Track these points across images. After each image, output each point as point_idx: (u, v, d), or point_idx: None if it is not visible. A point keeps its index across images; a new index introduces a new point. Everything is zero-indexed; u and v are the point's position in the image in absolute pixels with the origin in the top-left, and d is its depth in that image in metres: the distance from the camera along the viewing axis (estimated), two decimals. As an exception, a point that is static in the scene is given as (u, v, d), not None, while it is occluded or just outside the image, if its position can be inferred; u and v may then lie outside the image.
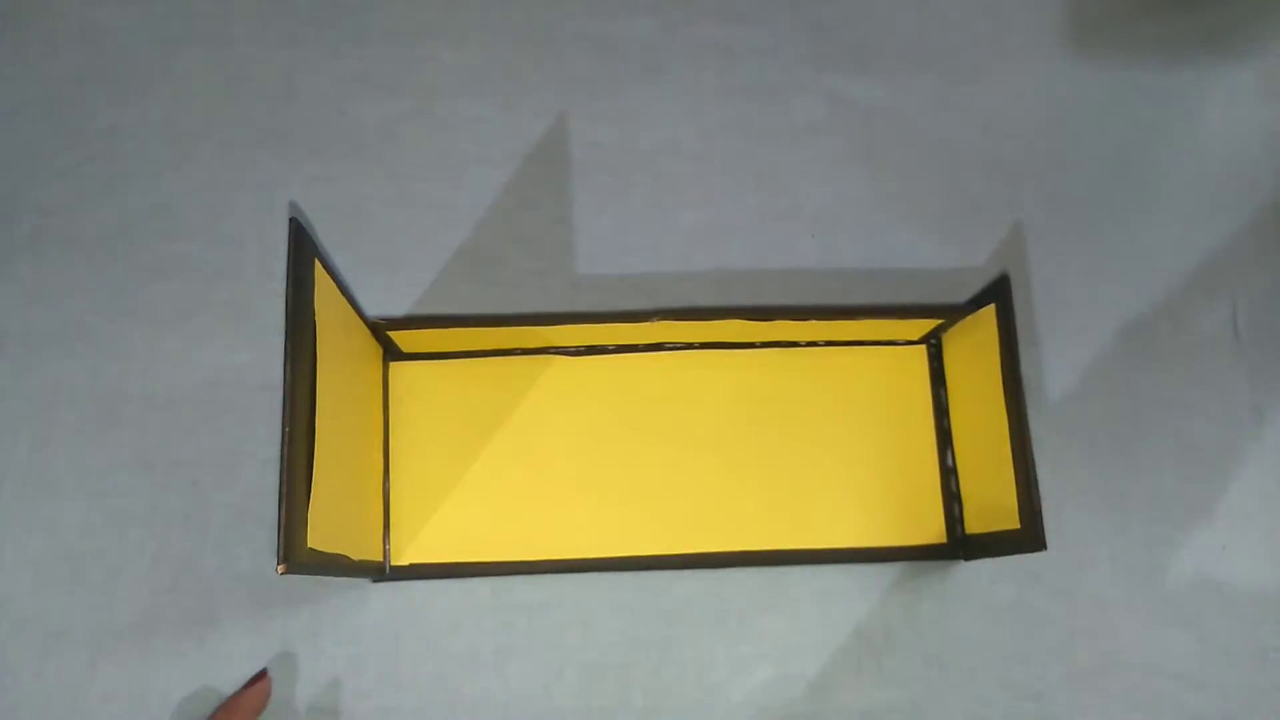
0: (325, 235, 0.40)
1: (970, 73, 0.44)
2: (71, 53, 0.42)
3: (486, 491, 0.38)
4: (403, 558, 0.37)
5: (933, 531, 0.39)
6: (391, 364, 0.39)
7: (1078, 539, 0.39)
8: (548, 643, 0.37)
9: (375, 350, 0.38)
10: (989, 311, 0.36)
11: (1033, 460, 0.33)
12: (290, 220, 0.29)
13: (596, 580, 0.37)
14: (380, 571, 0.37)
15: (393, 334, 0.37)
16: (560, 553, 0.37)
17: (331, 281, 0.32)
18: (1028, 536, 0.33)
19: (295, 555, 0.27)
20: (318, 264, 0.31)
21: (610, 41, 0.43)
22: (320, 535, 0.29)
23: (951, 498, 0.39)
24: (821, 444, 0.39)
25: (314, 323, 0.30)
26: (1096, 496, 0.39)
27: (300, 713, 0.36)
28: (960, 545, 0.38)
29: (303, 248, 0.29)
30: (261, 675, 0.35)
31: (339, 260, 0.40)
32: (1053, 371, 0.40)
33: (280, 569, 0.26)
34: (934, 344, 0.40)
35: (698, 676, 0.37)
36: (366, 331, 0.37)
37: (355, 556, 0.33)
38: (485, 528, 0.37)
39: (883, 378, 0.40)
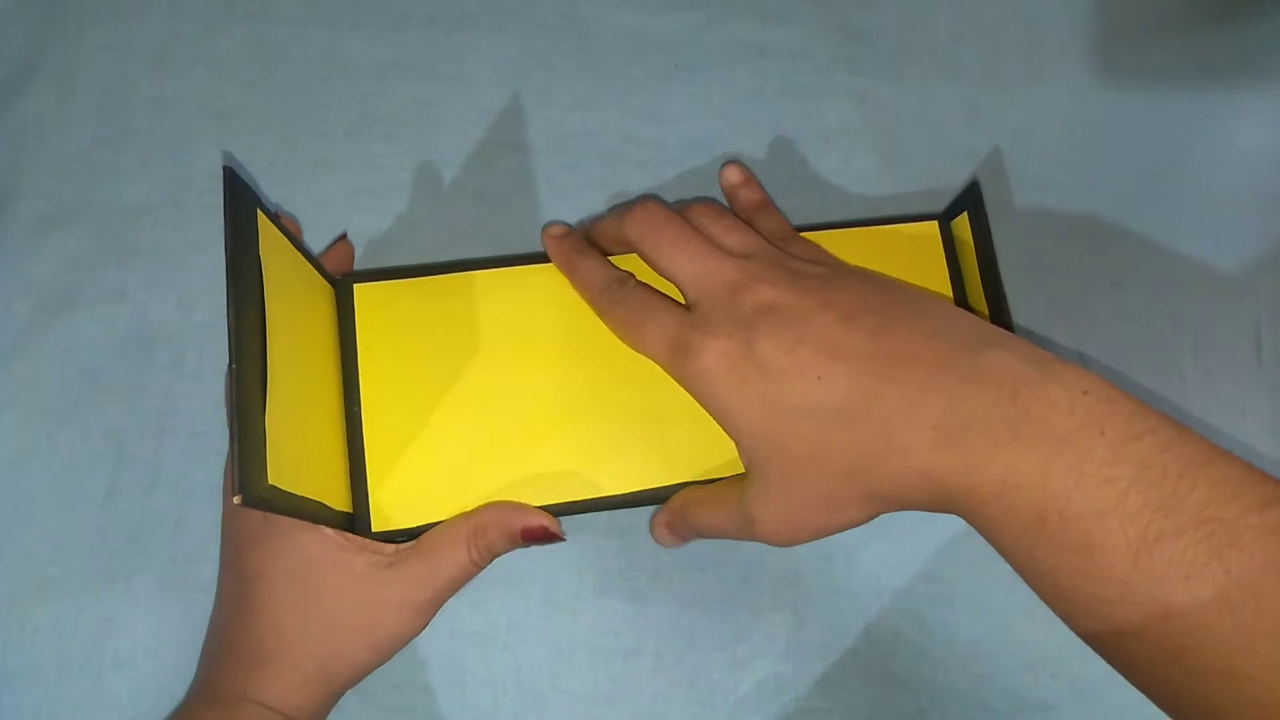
0: (357, 213, 0.41)
1: (1002, 84, 0.44)
2: (114, 26, 0.43)
3: (470, 439, 0.35)
4: (389, 522, 0.34)
5: None
6: (359, 328, 0.36)
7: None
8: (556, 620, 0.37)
9: (330, 311, 0.36)
10: (962, 221, 0.37)
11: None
12: (225, 169, 0.29)
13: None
14: (352, 527, 0.34)
15: (358, 287, 0.36)
16: (559, 496, 0.34)
17: (278, 231, 0.31)
18: None
19: (254, 488, 0.25)
20: (261, 214, 0.30)
21: (645, 37, 0.44)
22: (284, 476, 0.28)
23: None
24: None
25: (260, 268, 0.29)
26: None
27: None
28: None
29: (239, 196, 0.29)
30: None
31: (364, 237, 0.41)
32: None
33: (236, 499, 0.25)
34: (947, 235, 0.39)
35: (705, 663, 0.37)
36: (324, 289, 0.35)
37: (332, 504, 0.31)
38: (473, 477, 0.34)
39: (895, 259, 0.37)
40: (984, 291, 0.36)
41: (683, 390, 0.34)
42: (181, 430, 0.38)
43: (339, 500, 0.33)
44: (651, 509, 0.38)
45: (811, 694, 0.37)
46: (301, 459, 0.30)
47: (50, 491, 0.38)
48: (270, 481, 0.27)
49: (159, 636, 0.36)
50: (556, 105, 0.43)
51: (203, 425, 0.38)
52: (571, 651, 0.37)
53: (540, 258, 0.37)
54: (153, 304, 0.40)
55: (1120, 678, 0.37)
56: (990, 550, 0.38)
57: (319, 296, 0.35)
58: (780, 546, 0.32)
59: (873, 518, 0.31)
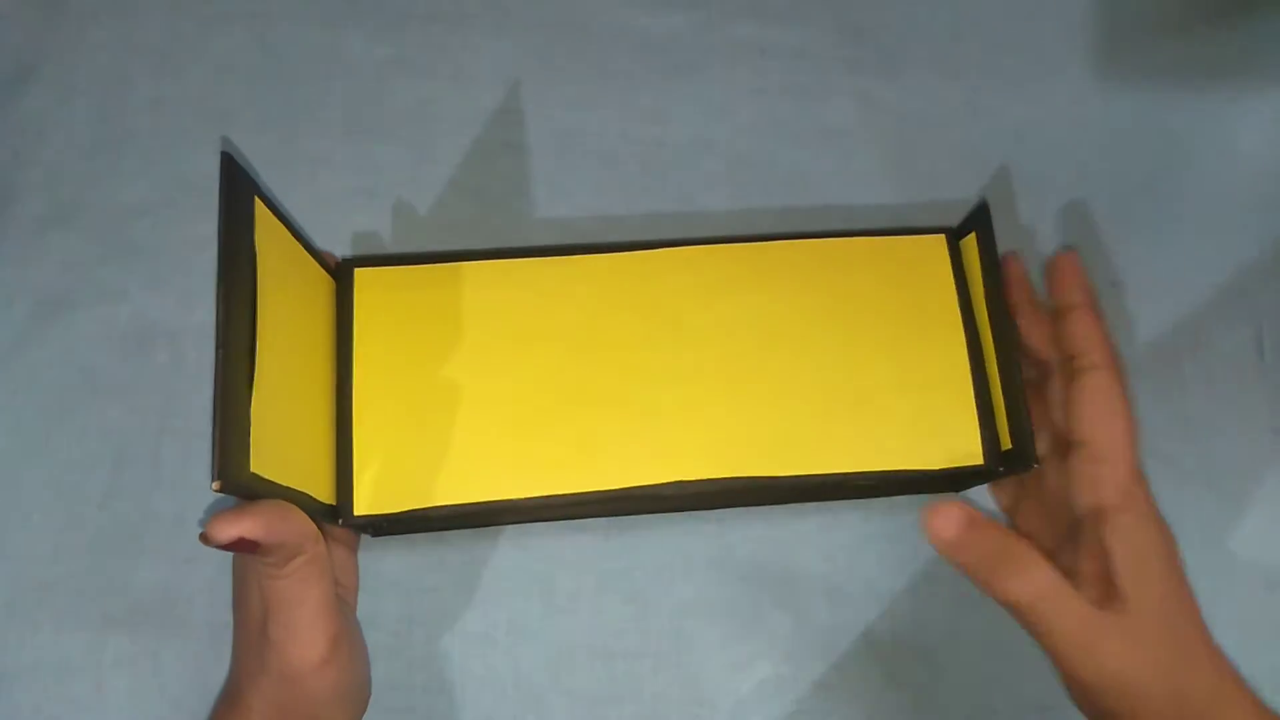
0: (356, 213, 0.41)
1: (1001, 83, 0.44)
2: (113, 26, 0.43)
3: (462, 427, 0.34)
4: (373, 506, 0.33)
5: (970, 450, 0.35)
6: (356, 310, 0.35)
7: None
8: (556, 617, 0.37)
9: (328, 303, 0.35)
10: (970, 242, 0.37)
11: (1020, 383, 0.33)
12: (223, 155, 0.28)
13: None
14: (335, 517, 0.33)
15: (359, 271, 0.36)
16: (549, 488, 0.33)
17: (276, 220, 0.31)
18: (1019, 455, 0.33)
19: (233, 472, 0.25)
20: (259, 201, 0.30)
21: (646, 37, 0.44)
22: (267, 465, 0.27)
23: (986, 410, 0.35)
24: (840, 352, 0.36)
25: (253, 255, 0.29)
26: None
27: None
28: (1001, 461, 0.35)
29: (236, 182, 0.28)
30: None
31: (363, 237, 0.41)
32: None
33: (215, 486, 0.25)
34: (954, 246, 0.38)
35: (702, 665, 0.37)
36: (324, 281, 0.35)
37: (318, 496, 0.31)
38: (462, 465, 0.34)
39: (903, 272, 0.37)
40: (989, 318, 0.35)
41: (679, 388, 0.34)
42: (181, 430, 0.38)
43: (324, 493, 0.32)
44: (643, 518, 0.38)
45: (811, 695, 0.37)
46: (288, 448, 0.30)
47: (49, 492, 0.38)
48: (252, 469, 0.26)
49: (158, 638, 0.36)
50: (556, 104, 0.43)
51: (203, 426, 0.38)
52: (571, 652, 0.37)
53: (542, 251, 0.37)
54: (152, 304, 0.40)
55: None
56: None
57: (318, 287, 0.35)
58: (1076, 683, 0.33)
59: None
